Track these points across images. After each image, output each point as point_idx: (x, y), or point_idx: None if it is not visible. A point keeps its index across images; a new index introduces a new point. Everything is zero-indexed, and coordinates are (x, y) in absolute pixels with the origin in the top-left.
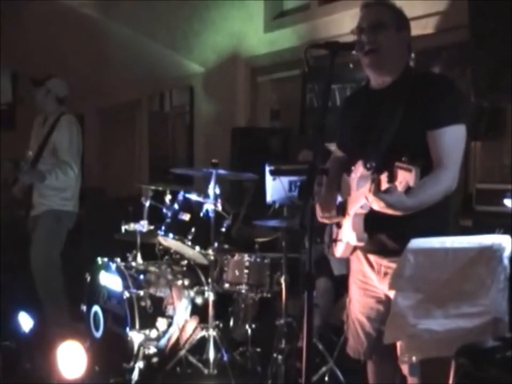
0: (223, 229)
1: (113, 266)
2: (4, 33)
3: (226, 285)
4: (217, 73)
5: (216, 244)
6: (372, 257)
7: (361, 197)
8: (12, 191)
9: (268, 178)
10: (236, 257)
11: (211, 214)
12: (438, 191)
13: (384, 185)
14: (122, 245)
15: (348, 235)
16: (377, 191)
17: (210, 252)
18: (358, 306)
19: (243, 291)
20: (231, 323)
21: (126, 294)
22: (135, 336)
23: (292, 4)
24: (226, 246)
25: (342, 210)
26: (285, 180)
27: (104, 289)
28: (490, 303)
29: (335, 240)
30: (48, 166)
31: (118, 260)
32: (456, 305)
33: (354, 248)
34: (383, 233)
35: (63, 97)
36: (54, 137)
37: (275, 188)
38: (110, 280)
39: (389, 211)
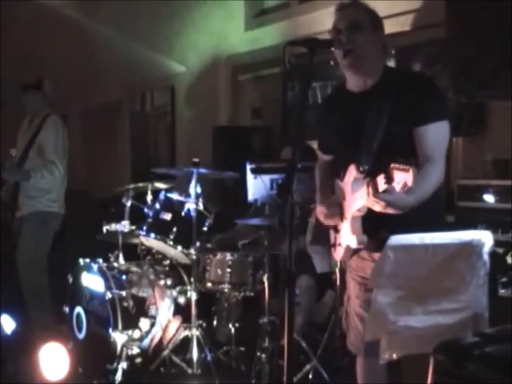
0: (205, 228)
1: (95, 267)
2: None
3: (209, 284)
4: (199, 73)
5: (198, 243)
6: (375, 254)
7: (357, 200)
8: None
9: (249, 176)
10: (218, 256)
11: (192, 213)
12: (431, 184)
13: (382, 186)
14: (104, 245)
15: (347, 239)
16: (376, 193)
17: (192, 251)
18: (359, 302)
19: (226, 290)
20: (215, 322)
21: (108, 295)
22: (118, 337)
23: (272, 2)
24: (208, 245)
25: (341, 213)
26: (266, 178)
27: (86, 290)
28: (470, 299)
29: (334, 245)
30: (32, 166)
31: (100, 260)
32: (436, 301)
33: (354, 251)
34: (385, 230)
35: (52, 99)
36: (40, 137)
37: (256, 186)
38: (92, 281)
39: (390, 210)
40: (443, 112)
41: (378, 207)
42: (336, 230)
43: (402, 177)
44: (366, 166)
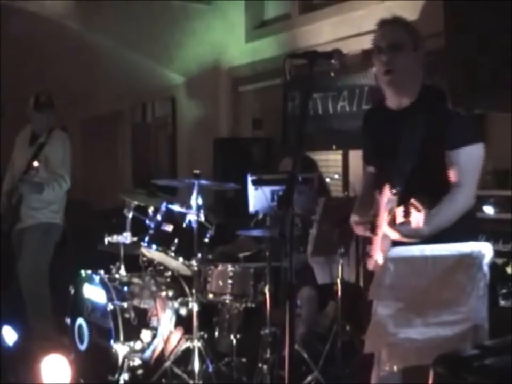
0: (206, 240)
1: (96, 278)
2: None
3: (211, 296)
4: (199, 84)
5: (199, 255)
6: None
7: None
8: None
9: (250, 188)
10: (220, 267)
11: (194, 225)
12: (454, 212)
13: (399, 219)
14: (105, 257)
15: (377, 253)
16: (392, 223)
17: (193, 262)
18: None
19: (227, 301)
20: (216, 334)
21: (110, 306)
22: (120, 348)
23: (272, 14)
24: (209, 257)
25: (372, 227)
26: (267, 190)
27: (88, 302)
28: (470, 310)
29: (368, 255)
30: (39, 179)
31: (102, 272)
32: (436, 313)
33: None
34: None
35: None
36: (47, 151)
37: (257, 197)
38: (93, 292)
39: (406, 240)
40: (474, 134)
41: (395, 235)
42: (370, 241)
43: (416, 217)
44: (398, 188)
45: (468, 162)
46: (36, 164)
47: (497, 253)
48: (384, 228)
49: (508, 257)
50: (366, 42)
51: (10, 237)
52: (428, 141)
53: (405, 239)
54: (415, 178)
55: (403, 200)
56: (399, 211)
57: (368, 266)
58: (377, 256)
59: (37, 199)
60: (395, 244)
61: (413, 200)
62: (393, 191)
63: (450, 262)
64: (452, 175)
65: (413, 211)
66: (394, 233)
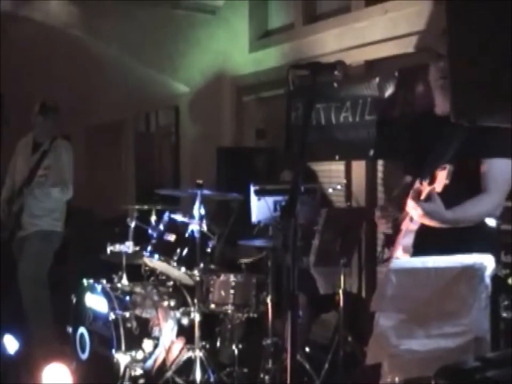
0: (209, 249)
1: (99, 287)
2: None
3: (213, 306)
4: (203, 93)
5: (201, 265)
6: None
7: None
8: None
9: (253, 198)
10: (222, 277)
11: (196, 235)
12: (476, 212)
13: (425, 191)
14: (108, 266)
15: (397, 249)
16: (416, 198)
17: (196, 272)
18: None
19: (229, 311)
20: (218, 344)
21: (112, 316)
22: (121, 358)
23: (276, 24)
24: (212, 266)
25: (396, 227)
26: (269, 200)
27: (90, 311)
28: (472, 322)
29: (388, 259)
30: (42, 187)
31: (104, 281)
32: (438, 325)
33: None
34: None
35: None
36: (50, 159)
37: (260, 207)
38: (95, 301)
39: (426, 220)
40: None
41: (415, 213)
42: (393, 244)
43: (441, 177)
44: (427, 179)
45: (500, 172)
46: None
47: (499, 265)
48: (408, 205)
49: (510, 269)
50: (369, 53)
51: (10, 245)
52: (465, 146)
53: (425, 219)
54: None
55: None
56: (425, 183)
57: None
58: (398, 253)
59: (39, 206)
60: (417, 241)
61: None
62: (423, 182)
63: (452, 274)
64: (483, 181)
65: (439, 173)
66: (416, 209)
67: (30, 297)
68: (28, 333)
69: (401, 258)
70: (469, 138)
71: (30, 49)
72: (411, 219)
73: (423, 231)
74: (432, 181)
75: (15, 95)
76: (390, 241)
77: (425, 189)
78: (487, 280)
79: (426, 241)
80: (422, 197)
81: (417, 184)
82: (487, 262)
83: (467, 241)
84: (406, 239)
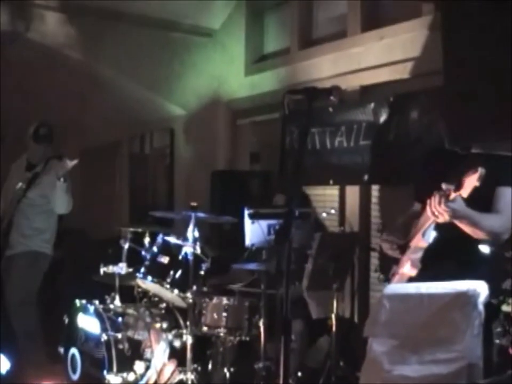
0: (202, 272)
1: (91, 308)
2: None
3: (205, 328)
4: (198, 116)
5: (194, 287)
6: None
7: (427, 220)
8: None
9: (247, 221)
10: (214, 300)
11: (190, 257)
12: (490, 224)
13: (452, 195)
14: (101, 287)
15: (404, 266)
16: (446, 201)
17: (188, 295)
18: None
19: (221, 334)
20: (210, 366)
21: (104, 337)
22: (113, 379)
23: (272, 48)
24: (204, 289)
25: (402, 249)
26: (263, 223)
27: (82, 332)
28: (465, 349)
29: (394, 275)
30: (35, 206)
31: (97, 302)
32: (431, 351)
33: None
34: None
35: None
36: (43, 180)
37: (254, 231)
38: (88, 322)
39: (456, 221)
40: None
41: (443, 216)
42: (397, 262)
43: (470, 181)
44: (450, 186)
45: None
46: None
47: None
48: (423, 229)
49: (504, 295)
50: (365, 78)
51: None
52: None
53: (455, 220)
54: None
55: None
56: (451, 188)
57: (393, 281)
58: (405, 268)
59: (29, 226)
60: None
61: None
62: (444, 187)
63: (445, 300)
64: (495, 206)
65: (467, 179)
66: (445, 210)
67: (18, 319)
68: (19, 352)
69: (408, 273)
70: (487, 166)
71: (26, 69)
72: (423, 234)
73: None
74: (458, 187)
75: (11, 114)
76: (395, 260)
77: (452, 193)
78: (480, 306)
79: (427, 265)
80: (450, 198)
81: (445, 189)
82: (480, 288)
83: (465, 267)
84: (414, 254)
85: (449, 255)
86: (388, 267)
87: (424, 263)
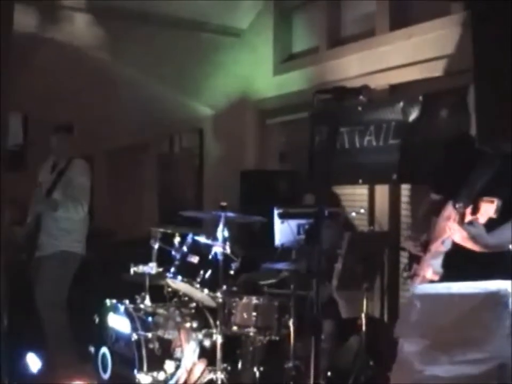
0: (232, 272)
1: (121, 308)
2: (14, 76)
3: (235, 328)
4: (226, 116)
5: (224, 287)
6: None
7: (444, 231)
8: (17, 236)
9: (277, 221)
10: (244, 299)
11: (220, 257)
12: (504, 240)
13: (468, 217)
14: (131, 286)
15: (425, 269)
16: (461, 222)
17: (218, 294)
18: None
19: (251, 334)
20: (239, 366)
21: (134, 336)
22: (143, 378)
23: (300, 48)
24: (234, 289)
25: (424, 247)
26: (293, 223)
27: (112, 331)
28: (496, 349)
29: (414, 275)
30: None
31: (127, 301)
32: (462, 351)
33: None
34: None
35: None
36: (66, 178)
37: (283, 230)
38: (118, 322)
39: (469, 244)
40: None
41: (459, 236)
42: (418, 261)
43: (487, 209)
44: (462, 204)
45: None
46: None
47: None
48: (442, 238)
49: None
50: (393, 77)
51: (27, 267)
52: (503, 172)
53: (468, 243)
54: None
55: None
56: (468, 210)
57: (414, 283)
58: (427, 272)
59: (56, 227)
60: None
61: (484, 197)
62: (457, 206)
63: (476, 300)
64: None
65: (483, 205)
66: (461, 232)
67: (49, 320)
68: (50, 352)
69: (431, 279)
70: (505, 166)
71: (55, 71)
72: (443, 241)
73: (448, 255)
74: (475, 211)
75: (40, 117)
76: (416, 259)
77: (468, 215)
78: (511, 307)
79: (451, 266)
80: (466, 221)
81: (457, 207)
82: (511, 288)
83: (490, 267)
84: (435, 260)
85: (473, 257)
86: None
87: (447, 264)
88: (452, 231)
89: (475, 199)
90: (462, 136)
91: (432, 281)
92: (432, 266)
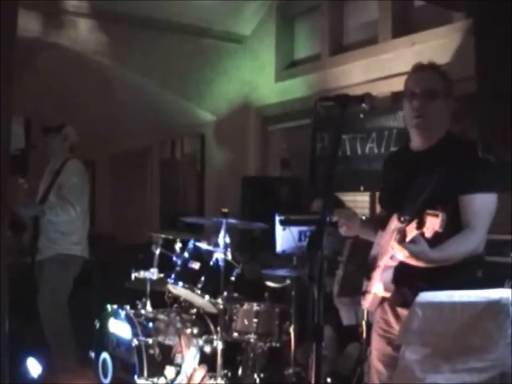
0: (233, 278)
1: (122, 313)
2: (17, 79)
3: (235, 334)
4: (229, 122)
5: (225, 293)
6: (398, 309)
7: (390, 248)
8: (22, 239)
9: (278, 228)
10: (245, 306)
11: (221, 263)
12: (463, 249)
13: (411, 233)
14: (132, 292)
15: (376, 286)
16: (402, 241)
17: (219, 300)
18: (377, 354)
19: (252, 340)
20: (240, 372)
21: (135, 342)
22: None
23: (302, 54)
24: (235, 295)
25: (373, 263)
26: (294, 230)
27: (113, 336)
28: (498, 358)
29: (365, 292)
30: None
31: (128, 307)
32: (464, 359)
33: (381, 301)
34: (407, 287)
35: (74, 144)
36: (60, 179)
37: (285, 237)
38: (119, 327)
39: (412, 261)
40: (491, 184)
41: (402, 255)
42: (369, 278)
43: (432, 223)
44: (407, 217)
45: (481, 208)
46: (21, 182)
47: None
48: (393, 247)
49: None
50: (396, 85)
51: (33, 268)
52: (444, 182)
53: (412, 261)
54: (424, 210)
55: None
56: (412, 224)
57: (364, 304)
58: (377, 288)
59: (54, 230)
60: (397, 275)
61: (428, 210)
62: (402, 218)
63: (478, 309)
64: (464, 217)
65: (428, 218)
66: (403, 251)
67: (50, 324)
68: (50, 357)
69: (383, 296)
70: (449, 174)
71: (58, 75)
72: (391, 257)
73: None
74: (420, 225)
75: (42, 121)
76: (367, 275)
77: (411, 231)
78: None
79: (407, 279)
80: (408, 239)
81: (399, 224)
82: None
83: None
84: (385, 275)
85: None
86: None
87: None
88: (395, 251)
89: (420, 213)
90: (400, 149)
91: (384, 299)
92: (382, 282)
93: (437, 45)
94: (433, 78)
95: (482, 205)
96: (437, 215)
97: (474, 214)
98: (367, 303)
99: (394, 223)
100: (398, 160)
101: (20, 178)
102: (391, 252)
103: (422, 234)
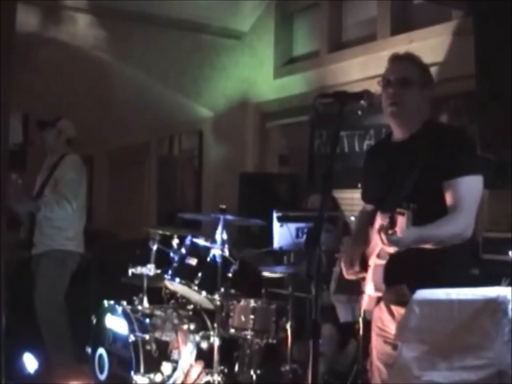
0: (230, 274)
1: (119, 309)
2: (16, 75)
3: (232, 330)
4: (227, 118)
5: (222, 289)
6: (393, 307)
7: (377, 245)
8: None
9: (275, 224)
10: (242, 302)
11: (218, 259)
12: (451, 229)
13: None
14: (129, 288)
15: (368, 286)
16: (386, 234)
17: (216, 296)
18: (376, 353)
19: (248, 336)
20: (236, 368)
21: (132, 338)
22: (140, 380)
23: (301, 51)
24: (232, 291)
25: (363, 263)
26: (292, 227)
27: (109, 332)
28: (495, 356)
29: (362, 292)
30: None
31: (125, 303)
32: (461, 357)
33: (378, 300)
34: (402, 284)
35: (72, 138)
36: (56, 174)
37: (282, 234)
38: (116, 323)
39: (390, 248)
40: (475, 166)
41: (391, 249)
42: (363, 278)
43: (401, 221)
44: (389, 214)
45: (466, 190)
46: (13, 177)
47: None
48: (376, 252)
49: None
50: None
51: (29, 264)
52: (427, 170)
53: (390, 248)
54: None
55: None
56: (386, 223)
57: (362, 304)
58: (369, 289)
59: (49, 225)
60: (390, 273)
61: (398, 209)
62: (383, 216)
63: (475, 306)
64: (449, 201)
65: (399, 217)
66: (393, 248)
67: (46, 319)
68: (47, 352)
69: (375, 296)
70: (431, 162)
71: (56, 71)
72: (378, 255)
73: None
74: (392, 224)
75: (41, 117)
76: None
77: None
78: (511, 313)
79: (399, 276)
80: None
81: (382, 220)
82: (510, 295)
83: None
84: (375, 275)
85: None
86: None
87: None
88: (386, 248)
89: (392, 212)
90: (381, 141)
91: (380, 298)
92: (373, 282)
93: (435, 43)
94: (408, 67)
95: (468, 188)
96: (403, 214)
97: (460, 197)
98: (364, 303)
99: (378, 221)
100: (379, 152)
101: (13, 174)
102: (378, 248)
103: (394, 233)
